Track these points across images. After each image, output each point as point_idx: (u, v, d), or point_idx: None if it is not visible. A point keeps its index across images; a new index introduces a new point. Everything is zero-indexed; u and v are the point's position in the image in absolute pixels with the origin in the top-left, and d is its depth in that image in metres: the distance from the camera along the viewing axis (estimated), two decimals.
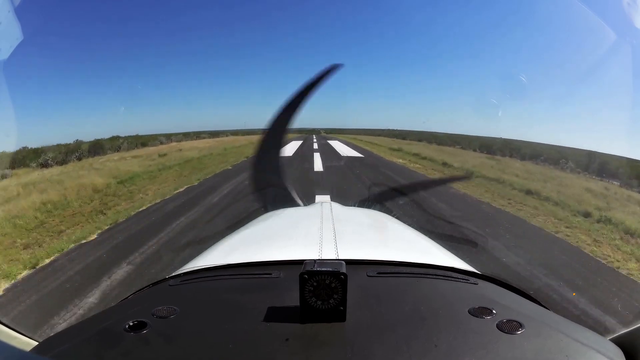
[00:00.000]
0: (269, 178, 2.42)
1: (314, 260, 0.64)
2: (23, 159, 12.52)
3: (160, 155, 15.74)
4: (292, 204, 2.20)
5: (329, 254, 0.96)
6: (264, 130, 2.40)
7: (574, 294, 3.69)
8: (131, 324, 0.60)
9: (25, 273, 4.18)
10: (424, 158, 15.37)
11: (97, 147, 16.85)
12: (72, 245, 5.01)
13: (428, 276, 0.83)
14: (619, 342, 0.62)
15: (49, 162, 12.73)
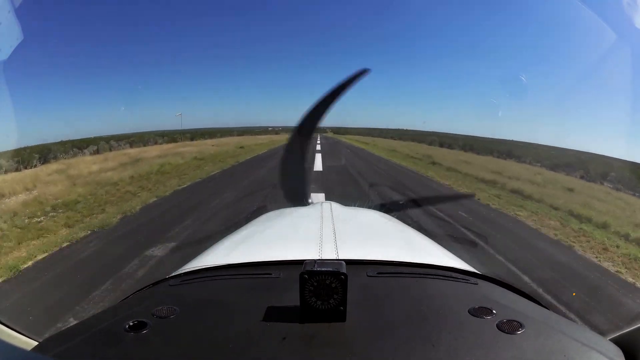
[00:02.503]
0: (295, 173, 2.62)
1: (314, 261, 0.64)
2: None
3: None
4: (297, 202, 2.30)
5: (329, 254, 0.96)
6: (292, 133, 2.58)
7: (574, 294, 3.70)
8: (131, 324, 0.60)
9: None
10: None
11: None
12: None
13: (428, 276, 0.84)
14: (619, 342, 0.62)
15: None
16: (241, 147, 21.29)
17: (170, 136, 24.06)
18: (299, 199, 2.36)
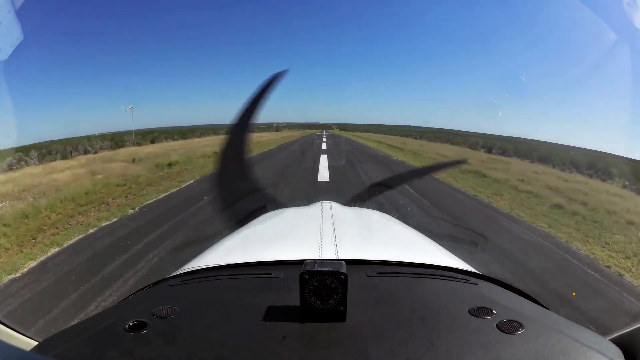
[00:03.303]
0: (240, 186, 2.37)
1: (314, 261, 0.64)
2: None
3: None
4: (279, 206, 2.16)
5: (329, 254, 0.96)
6: (224, 139, 2.38)
7: (574, 294, 3.70)
8: (131, 324, 0.60)
9: None
10: None
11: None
12: None
13: (428, 276, 0.84)
14: (619, 342, 0.62)
15: None
16: (169, 165, 12.00)
17: (122, 138, 17.67)
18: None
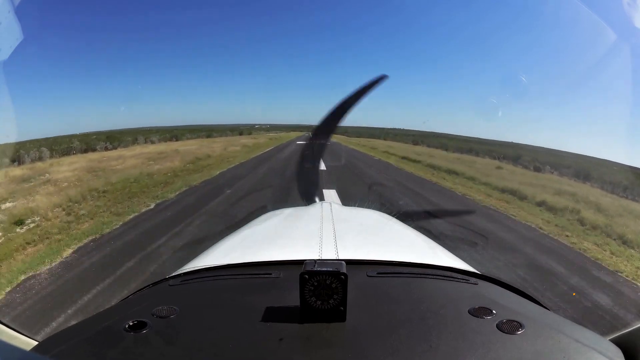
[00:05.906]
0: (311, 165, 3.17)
1: (314, 261, 0.64)
2: None
3: None
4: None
5: (329, 254, 0.96)
6: (314, 130, 3.08)
7: (574, 294, 3.70)
8: (131, 323, 0.60)
9: None
10: None
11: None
12: None
13: (428, 276, 0.83)
14: (619, 342, 0.62)
15: None
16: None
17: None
18: (310, 198, 2.70)
